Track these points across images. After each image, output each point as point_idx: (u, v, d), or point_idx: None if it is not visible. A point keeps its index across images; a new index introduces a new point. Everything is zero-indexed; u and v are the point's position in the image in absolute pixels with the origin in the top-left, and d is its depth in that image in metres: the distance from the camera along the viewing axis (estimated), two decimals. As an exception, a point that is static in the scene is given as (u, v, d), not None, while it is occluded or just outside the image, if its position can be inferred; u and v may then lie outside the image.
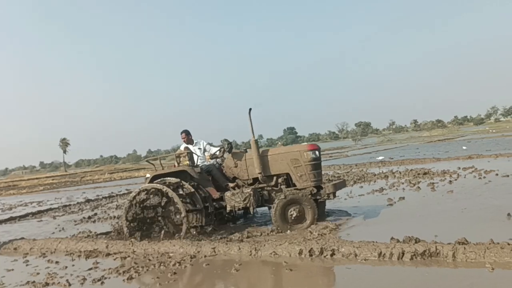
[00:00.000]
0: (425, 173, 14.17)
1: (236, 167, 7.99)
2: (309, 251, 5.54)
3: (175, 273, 5.49)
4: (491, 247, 4.66)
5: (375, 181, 13.71)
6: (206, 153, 8.92)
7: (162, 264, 5.93)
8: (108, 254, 6.99)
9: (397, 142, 61.50)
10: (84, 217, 12.43)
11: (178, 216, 7.41)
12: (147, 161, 8.58)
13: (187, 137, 8.98)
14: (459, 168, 14.66)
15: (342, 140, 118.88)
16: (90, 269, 6.16)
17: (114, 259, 6.64)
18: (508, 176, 11.39)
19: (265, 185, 7.82)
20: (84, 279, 5.64)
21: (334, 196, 7.89)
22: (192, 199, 7.50)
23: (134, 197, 7.63)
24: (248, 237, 7.02)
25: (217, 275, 5.35)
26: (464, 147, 28.05)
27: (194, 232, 7.37)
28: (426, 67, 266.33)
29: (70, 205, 16.81)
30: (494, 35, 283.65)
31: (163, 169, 8.05)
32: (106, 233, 8.72)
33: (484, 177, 11.78)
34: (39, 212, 15.30)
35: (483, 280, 4.11)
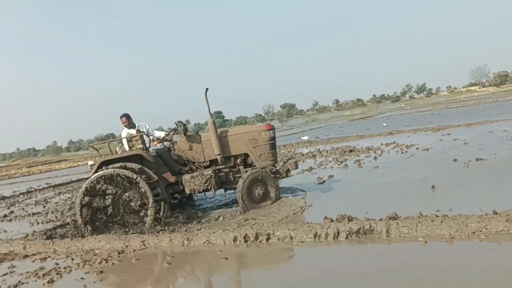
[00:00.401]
0: (351, 151, 14.54)
1: (191, 149, 7.68)
2: (244, 237, 5.35)
3: (101, 271, 5.07)
4: (422, 220, 4.73)
5: (303, 161, 13.84)
6: (149, 137, 8.41)
7: (87, 262, 5.47)
8: (25, 256, 6.36)
9: (321, 121, 63.30)
10: (-2, 216, 11.48)
11: (131, 206, 6.92)
12: (91, 146, 7.81)
13: (128, 121, 8.37)
14: (382, 144, 15.20)
15: (269, 122, 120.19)
16: (5, 274, 5.55)
17: (33, 261, 6.05)
18: (427, 149, 11.93)
19: (223, 166, 7.62)
20: (-2, 286, 5.09)
21: (290, 174, 8.08)
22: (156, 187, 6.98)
23: (90, 187, 6.87)
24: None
25: (148, 270, 5.02)
26: (384, 124, 29.34)
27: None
28: (345, 48, 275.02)
29: (-18, 204, 15.45)
30: (401, 23, 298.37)
31: (112, 154, 7.42)
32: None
33: (406, 152, 12.25)
34: None
35: (418, 254, 4.13)
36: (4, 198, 16.48)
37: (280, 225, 5.45)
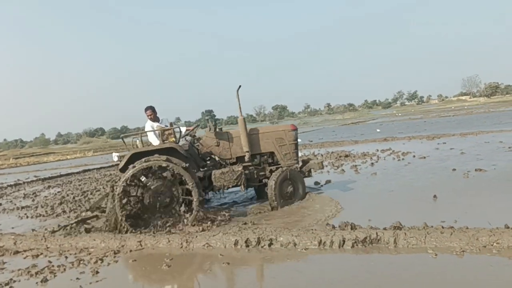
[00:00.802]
0: (346, 156, 14.47)
1: (218, 146, 7.64)
2: (246, 242, 5.20)
3: (97, 272, 4.87)
4: (430, 231, 4.61)
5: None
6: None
7: (81, 262, 5.28)
8: (16, 252, 6.17)
9: (313, 125, 63.37)
10: (-15, 208, 11.20)
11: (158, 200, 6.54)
12: (121, 138, 7.47)
13: (153, 114, 8.04)
14: (378, 150, 15.15)
15: (260, 123, 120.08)
16: (-5, 271, 5.37)
17: (24, 258, 5.85)
18: (424, 157, 11.86)
19: (249, 164, 7.63)
20: (-12, 283, 4.87)
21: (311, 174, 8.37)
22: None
23: (131, 178, 6.42)
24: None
25: (147, 272, 4.82)
26: (378, 130, 29.34)
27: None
28: (338, 54, 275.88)
29: (-31, 195, 15.10)
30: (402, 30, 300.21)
31: (143, 146, 7.13)
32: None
33: (403, 159, 12.19)
34: None
35: (430, 267, 4.00)
36: (-9, 189, 16.14)
37: (283, 230, 5.30)
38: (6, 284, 4.75)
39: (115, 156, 7.43)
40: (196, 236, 5.57)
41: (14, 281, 4.85)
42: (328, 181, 9.61)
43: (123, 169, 6.77)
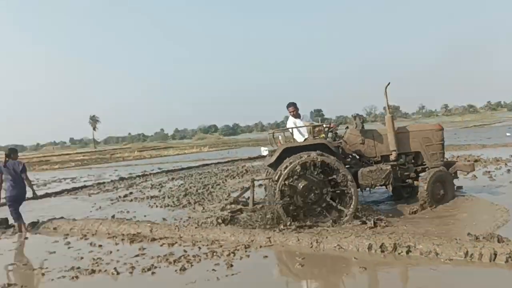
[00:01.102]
0: (476, 161, 13.35)
1: (362, 143, 7.57)
2: (380, 247, 4.95)
3: (231, 265, 4.97)
4: None
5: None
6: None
7: (214, 253, 5.44)
8: (153, 239, 6.55)
9: (430, 126, 59.82)
10: (119, 196, 12.21)
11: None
12: (271, 133, 7.72)
13: (296, 110, 8.09)
14: (512, 156, 13.78)
15: (370, 123, 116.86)
16: (137, 255, 5.72)
17: (161, 245, 6.18)
18: None
19: (395, 163, 7.46)
20: (133, 267, 5.19)
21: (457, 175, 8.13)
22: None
23: (292, 172, 6.49)
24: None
25: (282, 270, 4.81)
26: (508, 134, 26.77)
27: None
28: (456, 52, 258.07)
29: (104, 182, 16.59)
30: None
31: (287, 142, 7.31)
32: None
33: (547, 167, 10.93)
34: (74, 189, 15.15)
35: None
36: (122, 179, 17.54)
37: (423, 238, 4.96)
38: (149, 269, 5.04)
39: (264, 151, 7.57)
40: (327, 237, 5.44)
41: (155, 267, 5.12)
42: (459, 187, 8.88)
43: (274, 164, 6.87)
